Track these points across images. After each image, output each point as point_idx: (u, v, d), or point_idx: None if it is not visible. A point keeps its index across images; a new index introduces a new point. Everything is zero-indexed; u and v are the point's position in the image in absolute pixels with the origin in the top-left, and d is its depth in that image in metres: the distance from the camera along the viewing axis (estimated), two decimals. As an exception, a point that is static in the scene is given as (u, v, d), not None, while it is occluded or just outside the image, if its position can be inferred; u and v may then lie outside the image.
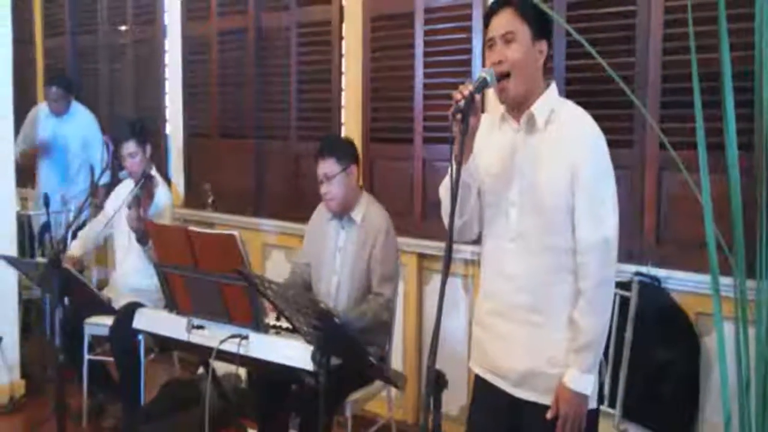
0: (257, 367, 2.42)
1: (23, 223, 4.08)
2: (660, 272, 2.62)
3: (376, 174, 3.62)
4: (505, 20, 1.77)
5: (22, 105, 4.44)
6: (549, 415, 1.76)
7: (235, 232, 2.29)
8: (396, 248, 2.73)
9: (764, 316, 2.12)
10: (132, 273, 3.36)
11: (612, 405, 2.54)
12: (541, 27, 1.78)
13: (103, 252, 4.24)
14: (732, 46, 2.13)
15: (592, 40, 2.27)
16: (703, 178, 2.15)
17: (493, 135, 1.85)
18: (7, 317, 3.63)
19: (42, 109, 4.50)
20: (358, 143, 3.59)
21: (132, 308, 2.82)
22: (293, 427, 2.68)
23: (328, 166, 2.66)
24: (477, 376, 1.96)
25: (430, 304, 3.37)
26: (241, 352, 2.27)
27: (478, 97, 1.70)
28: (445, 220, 1.72)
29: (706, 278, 2.29)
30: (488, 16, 1.82)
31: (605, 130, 1.80)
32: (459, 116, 1.66)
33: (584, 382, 1.75)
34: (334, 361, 2.17)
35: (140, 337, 3.01)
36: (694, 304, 2.56)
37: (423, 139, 3.41)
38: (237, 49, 4.20)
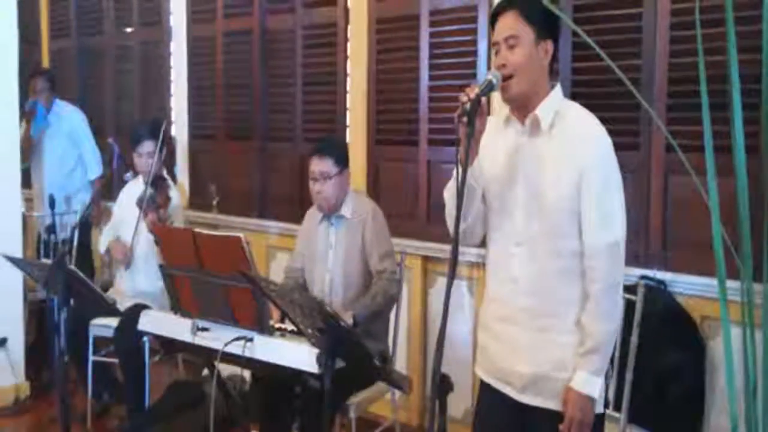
0: (262, 369, 2.41)
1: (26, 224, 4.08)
2: (666, 276, 2.61)
3: (381, 176, 3.62)
4: (509, 23, 1.76)
5: (28, 107, 4.46)
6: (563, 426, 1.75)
7: (241, 235, 2.29)
8: (386, 227, 2.77)
9: (772, 320, 2.11)
10: (137, 275, 3.36)
11: (617, 409, 2.53)
12: (546, 26, 1.77)
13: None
14: (739, 49, 2.12)
15: (598, 42, 2.26)
16: (710, 180, 2.14)
17: (498, 137, 1.85)
18: (12, 318, 3.64)
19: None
20: (363, 145, 3.61)
21: (137, 310, 2.82)
22: (297, 429, 2.68)
23: (325, 166, 2.69)
24: (482, 381, 1.95)
25: (435, 306, 3.36)
26: (246, 354, 2.27)
27: (483, 99, 1.69)
28: (450, 224, 1.71)
29: (712, 282, 2.28)
30: (494, 18, 1.81)
31: (611, 132, 1.79)
32: (464, 119, 1.66)
33: (592, 385, 1.74)
34: (339, 363, 2.16)
35: (145, 338, 3.01)
36: (701, 308, 2.55)
37: (428, 142, 3.41)
38: (242, 51, 4.20)
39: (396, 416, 2.91)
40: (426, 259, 3.36)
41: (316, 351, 2.16)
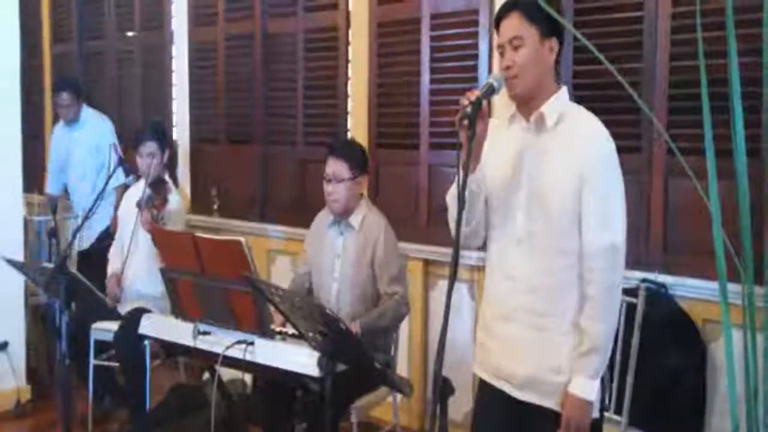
0: (263, 373, 2.42)
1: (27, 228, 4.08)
2: (667, 279, 2.61)
3: (382, 180, 3.62)
4: (513, 25, 1.77)
5: (30, 112, 4.46)
6: (560, 408, 1.76)
7: (242, 238, 2.30)
8: (397, 247, 2.73)
9: (773, 323, 2.11)
10: (138, 278, 3.36)
11: (618, 412, 2.52)
12: (550, 26, 1.78)
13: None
14: (740, 52, 2.12)
15: (599, 46, 2.26)
16: (711, 184, 2.14)
17: (501, 136, 1.85)
18: (14, 322, 3.65)
19: (56, 129, 4.46)
20: (364, 149, 3.61)
21: (138, 314, 2.82)
22: (299, 433, 2.68)
23: (338, 168, 2.65)
24: (480, 379, 1.95)
25: (436, 309, 3.36)
26: (247, 357, 2.27)
27: (485, 103, 1.69)
28: (452, 228, 1.72)
29: (713, 285, 2.28)
30: (497, 21, 1.82)
31: (613, 136, 1.79)
32: (466, 122, 1.66)
33: (590, 389, 1.74)
34: (340, 367, 2.16)
35: (146, 342, 3.01)
36: (702, 311, 2.54)
37: (429, 145, 3.41)
38: (244, 55, 4.21)
39: (397, 420, 2.91)
40: (427, 262, 3.35)
41: (317, 355, 2.16)
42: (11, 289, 3.58)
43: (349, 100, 3.72)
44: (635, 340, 2.51)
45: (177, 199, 3.38)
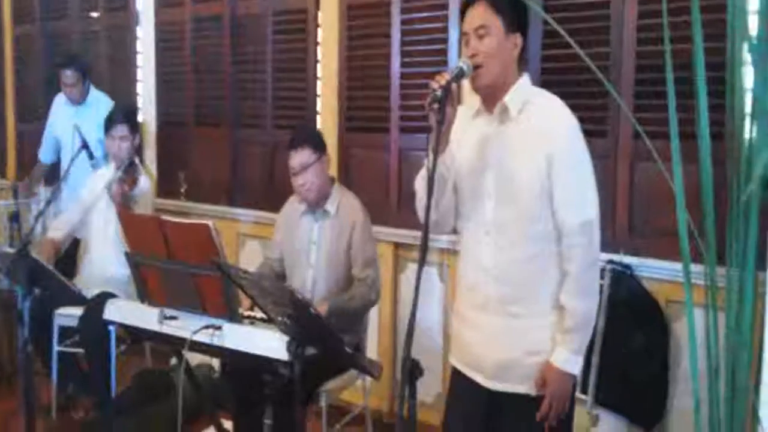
0: (231, 358, 2.39)
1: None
2: (632, 260, 2.66)
3: (352, 163, 3.60)
4: (479, 14, 1.78)
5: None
6: (534, 392, 1.78)
7: (209, 222, 2.26)
8: (371, 232, 2.73)
9: (733, 302, 2.16)
10: (103, 262, 3.30)
11: (584, 391, 2.57)
12: (515, 20, 1.79)
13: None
14: (705, 37, 2.15)
15: (568, 30, 2.27)
16: (676, 167, 2.17)
17: (468, 128, 1.86)
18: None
19: (59, 98, 4.11)
20: (334, 132, 3.59)
21: (103, 298, 2.77)
22: (268, 418, 2.67)
23: (304, 156, 2.64)
24: (454, 369, 1.97)
25: (406, 292, 3.37)
26: (215, 342, 2.25)
27: (454, 86, 1.70)
28: (420, 214, 1.72)
29: (677, 266, 2.33)
30: (463, 9, 1.82)
31: (580, 120, 1.82)
32: (435, 105, 1.67)
33: (572, 363, 1.77)
34: (309, 350, 2.16)
35: (111, 327, 2.96)
36: (666, 292, 2.60)
37: (399, 129, 3.40)
38: (212, 37, 4.14)
39: (367, 402, 2.92)
40: (397, 245, 3.36)
41: (286, 339, 2.15)
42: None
43: (319, 83, 3.69)
44: (601, 321, 2.55)
45: (146, 182, 3.35)
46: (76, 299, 3.12)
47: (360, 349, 2.76)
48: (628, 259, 2.65)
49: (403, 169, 3.40)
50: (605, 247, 2.69)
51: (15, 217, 3.89)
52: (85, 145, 3.37)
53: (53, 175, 4.20)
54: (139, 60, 4.53)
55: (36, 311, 2.71)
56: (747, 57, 2.12)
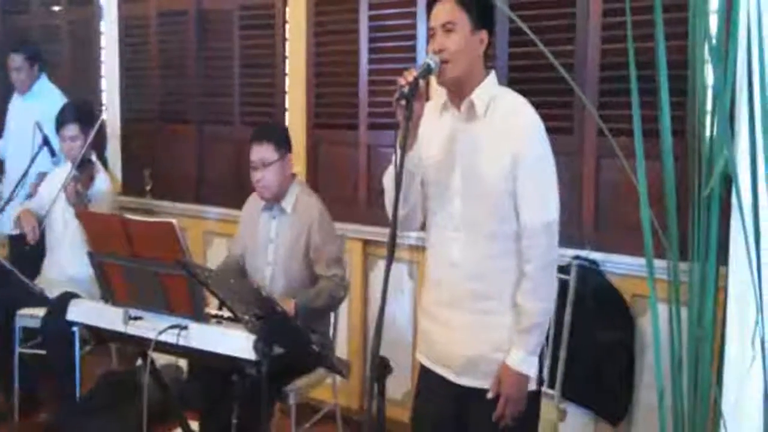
0: (198, 357, 2.37)
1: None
2: (598, 256, 2.69)
3: (320, 160, 3.58)
4: (446, 10, 1.78)
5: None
6: (489, 394, 1.79)
7: (173, 220, 2.23)
8: (334, 229, 2.71)
9: (696, 297, 2.20)
10: (66, 262, 3.24)
11: (551, 386, 2.60)
12: (481, 16, 1.80)
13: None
14: (667, 36, 2.18)
15: (533, 28, 2.29)
16: (639, 164, 2.20)
17: (435, 123, 1.87)
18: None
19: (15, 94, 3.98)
20: (302, 128, 3.56)
21: (66, 299, 2.72)
22: (236, 418, 2.64)
23: (265, 152, 2.61)
24: (422, 367, 1.97)
25: (375, 290, 3.37)
26: (181, 342, 2.22)
27: (422, 83, 1.70)
28: (389, 211, 1.72)
29: (642, 261, 2.36)
30: (430, 5, 1.83)
31: (546, 117, 1.83)
32: (403, 102, 1.67)
33: (527, 364, 1.78)
34: (277, 350, 2.14)
35: (75, 328, 2.91)
36: (631, 287, 2.64)
37: (368, 125, 3.39)
38: (178, 32, 4.07)
39: (336, 400, 2.91)
40: (366, 242, 3.35)
41: (253, 338, 2.13)
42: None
43: (287, 79, 3.66)
44: (567, 316, 2.58)
45: (104, 180, 3.27)
46: (39, 300, 3.05)
47: (328, 347, 2.75)
48: (594, 255, 2.69)
49: (372, 166, 3.40)
50: (572, 243, 2.75)
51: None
52: (46, 142, 3.30)
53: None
54: (103, 55, 4.44)
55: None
56: (708, 56, 2.16)
